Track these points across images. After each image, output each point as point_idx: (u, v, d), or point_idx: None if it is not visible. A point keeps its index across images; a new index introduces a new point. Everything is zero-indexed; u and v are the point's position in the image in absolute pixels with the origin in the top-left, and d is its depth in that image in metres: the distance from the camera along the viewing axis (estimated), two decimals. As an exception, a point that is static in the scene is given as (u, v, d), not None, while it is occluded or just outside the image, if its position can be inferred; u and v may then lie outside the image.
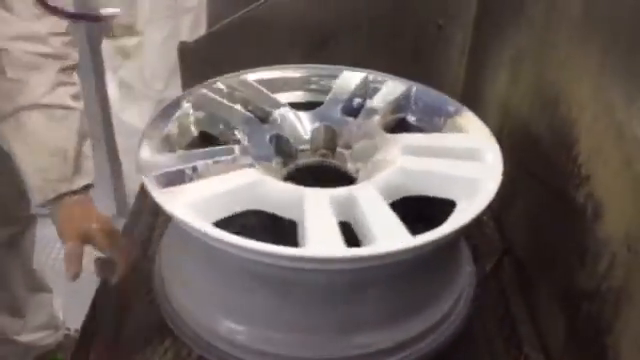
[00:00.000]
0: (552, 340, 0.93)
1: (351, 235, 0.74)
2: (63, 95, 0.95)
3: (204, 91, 1.01)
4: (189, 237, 0.73)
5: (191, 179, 0.83)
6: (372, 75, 1.08)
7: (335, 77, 1.09)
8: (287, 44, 1.37)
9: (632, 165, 0.73)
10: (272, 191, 0.79)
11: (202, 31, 1.62)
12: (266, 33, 1.35)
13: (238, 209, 0.78)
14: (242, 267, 0.75)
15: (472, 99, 1.19)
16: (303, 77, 1.11)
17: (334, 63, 1.11)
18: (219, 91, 1.03)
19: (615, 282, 0.76)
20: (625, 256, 0.74)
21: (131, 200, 1.38)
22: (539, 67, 1.04)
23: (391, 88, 1.06)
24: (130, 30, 2.06)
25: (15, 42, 0.92)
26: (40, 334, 1.61)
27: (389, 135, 0.94)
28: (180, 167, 0.84)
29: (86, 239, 0.91)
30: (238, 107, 1.00)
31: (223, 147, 0.90)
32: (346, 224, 0.75)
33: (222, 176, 0.81)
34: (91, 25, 1.99)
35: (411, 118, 1.05)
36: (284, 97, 1.06)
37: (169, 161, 0.85)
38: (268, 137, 0.95)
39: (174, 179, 0.82)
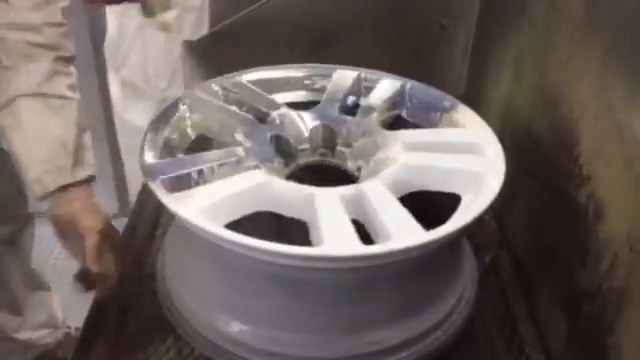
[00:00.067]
0: (553, 340, 0.93)
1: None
2: (59, 85, 0.93)
3: (199, 93, 1.01)
4: (194, 237, 0.73)
5: (197, 183, 0.83)
6: (364, 73, 1.08)
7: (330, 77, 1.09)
8: (289, 44, 1.37)
9: (633, 165, 0.73)
10: (281, 192, 0.79)
11: (204, 30, 1.62)
12: (268, 33, 1.36)
13: (248, 211, 0.78)
14: (251, 267, 0.75)
15: (475, 99, 1.19)
16: (299, 77, 1.10)
17: (336, 63, 1.11)
18: (214, 93, 1.02)
19: (616, 282, 0.76)
20: (627, 256, 0.74)
21: (133, 199, 1.39)
22: (541, 67, 1.04)
23: (385, 85, 1.06)
24: (167, 4, 2.09)
25: (9, 31, 0.91)
26: (39, 332, 1.61)
27: (388, 132, 0.94)
28: (186, 171, 0.83)
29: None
30: (234, 108, 1.00)
31: (227, 149, 0.90)
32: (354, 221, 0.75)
33: (231, 179, 0.81)
34: (93, 23, 1.99)
35: (407, 114, 1.05)
36: (281, 97, 1.06)
37: (174, 165, 0.84)
38: (268, 137, 0.95)
39: (181, 183, 0.81)
